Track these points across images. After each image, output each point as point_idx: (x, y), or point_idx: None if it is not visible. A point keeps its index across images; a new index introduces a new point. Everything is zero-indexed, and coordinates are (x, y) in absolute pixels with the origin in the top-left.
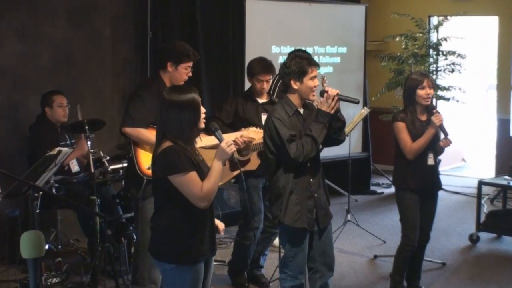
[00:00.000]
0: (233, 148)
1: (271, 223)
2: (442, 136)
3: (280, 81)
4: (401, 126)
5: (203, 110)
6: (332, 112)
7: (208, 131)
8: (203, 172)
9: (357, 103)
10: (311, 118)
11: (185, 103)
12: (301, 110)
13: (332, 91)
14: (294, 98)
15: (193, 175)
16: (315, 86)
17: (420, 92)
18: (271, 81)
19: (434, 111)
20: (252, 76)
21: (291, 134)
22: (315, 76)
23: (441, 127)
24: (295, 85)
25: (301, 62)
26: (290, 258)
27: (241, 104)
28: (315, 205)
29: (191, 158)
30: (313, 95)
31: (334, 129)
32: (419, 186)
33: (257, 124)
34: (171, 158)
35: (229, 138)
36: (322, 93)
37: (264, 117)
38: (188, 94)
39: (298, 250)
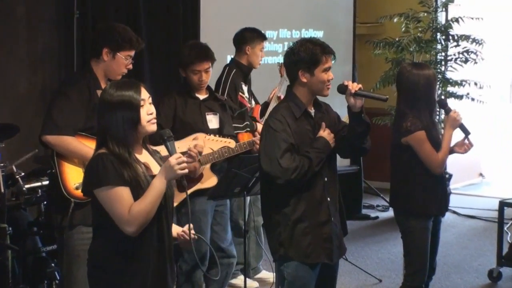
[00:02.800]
0: (185, 166)
1: (224, 252)
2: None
3: (232, 76)
4: (423, 136)
5: (151, 110)
6: (356, 110)
7: (156, 140)
8: (141, 189)
9: (385, 101)
10: (323, 120)
11: (122, 101)
12: (312, 111)
13: (353, 86)
14: (302, 95)
15: (120, 191)
16: (329, 80)
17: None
18: (210, 70)
19: (447, 107)
20: (185, 66)
21: (289, 142)
22: (329, 68)
23: (462, 126)
24: (303, 78)
25: (313, 48)
26: None
27: (180, 103)
28: (331, 232)
29: (124, 170)
30: (327, 90)
31: (357, 134)
32: (441, 210)
33: (202, 128)
34: (95, 168)
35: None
36: (340, 88)
37: (209, 117)
38: (127, 91)
39: None
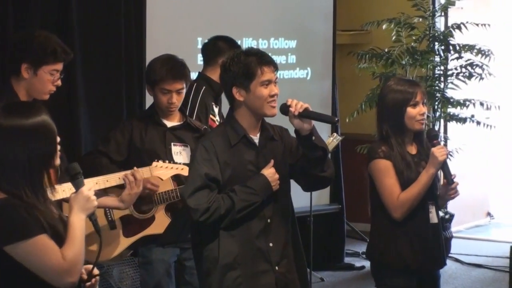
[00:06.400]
0: (95, 198)
1: None
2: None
3: (202, 95)
4: (384, 166)
5: (58, 139)
6: (305, 133)
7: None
8: (60, 236)
9: (334, 123)
10: (272, 149)
11: (32, 130)
12: (256, 137)
13: (296, 107)
14: (241, 117)
15: (43, 239)
16: (271, 96)
17: (412, 111)
18: (184, 91)
19: (436, 141)
20: (153, 84)
21: (209, 176)
22: (269, 81)
23: (444, 166)
24: (239, 96)
25: (245, 60)
26: None
27: (138, 129)
28: (275, 284)
29: (39, 217)
30: (272, 109)
31: (311, 161)
32: (419, 263)
33: (164, 160)
34: (3, 219)
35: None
36: (282, 109)
37: (176, 149)
38: (35, 116)
39: None
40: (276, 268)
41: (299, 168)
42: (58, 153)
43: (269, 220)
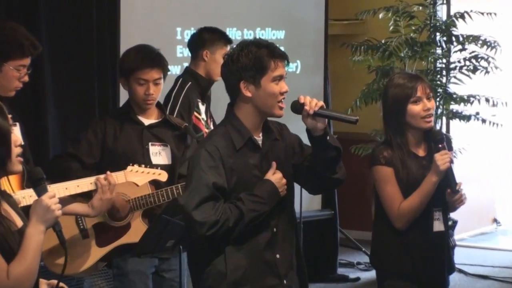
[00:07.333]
0: (59, 206)
1: None
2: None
3: (186, 91)
4: (385, 174)
5: (18, 141)
6: (319, 134)
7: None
8: (10, 250)
9: (354, 123)
10: (276, 151)
11: None
12: (260, 138)
13: (311, 104)
14: (246, 116)
15: None
16: (281, 93)
17: (415, 108)
18: (161, 83)
19: (441, 145)
20: (128, 74)
21: (216, 186)
22: (281, 77)
23: (448, 174)
24: (247, 91)
25: (257, 51)
26: None
27: (112, 128)
28: None
29: None
30: (280, 110)
31: (324, 162)
32: (420, 271)
33: (141, 161)
34: None
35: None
36: (295, 107)
37: (154, 149)
38: None
39: None
40: (285, 282)
41: (307, 170)
42: (18, 158)
43: (275, 229)
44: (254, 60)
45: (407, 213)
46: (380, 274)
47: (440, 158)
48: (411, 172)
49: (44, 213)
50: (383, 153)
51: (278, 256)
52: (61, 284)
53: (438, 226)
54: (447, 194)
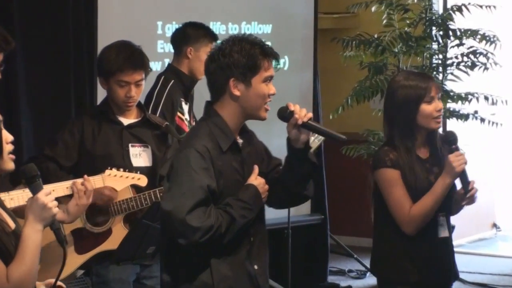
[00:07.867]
0: (56, 203)
1: None
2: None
3: (169, 89)
4: (392, 176)
5: (10, 137)
6: (300, 146)
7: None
8: (7, 252)
9: (342, 141)
10: (252, 155)
11: None
12: (240, 142)
13: (301, 114)
14: (230, 116)
15: None
16: (269, 95)
17: (428, 108)
18: (143, 83)
19: (454, 146)
20: (108, 76)
21: (210, 188)
22: (271, 78)
23: (462, 176)
24: (235, 90)
25: (251, 49)
26: None
27: (89, 129)
28: None
29: None
30: (265, 112)
31: (297, 177)
32: (426, 279)
33: (121, 165)
34: None
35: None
36: (282, 114)
37: (134, 150)
38: None
39: None
40: None
41: (275, 181)
42: (9, 155)
43: (252, 239)
44: (247, 57)
45: (418, 217)
46: (381, 282)
47: (456, 160)
48: (419, 177)
49: (41, 211)
50: (389, 155)
51: (256, 267)
52: (59, 283)
53: (443, 231)
54: (457, 194)
